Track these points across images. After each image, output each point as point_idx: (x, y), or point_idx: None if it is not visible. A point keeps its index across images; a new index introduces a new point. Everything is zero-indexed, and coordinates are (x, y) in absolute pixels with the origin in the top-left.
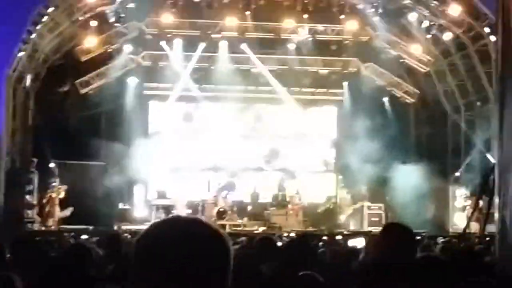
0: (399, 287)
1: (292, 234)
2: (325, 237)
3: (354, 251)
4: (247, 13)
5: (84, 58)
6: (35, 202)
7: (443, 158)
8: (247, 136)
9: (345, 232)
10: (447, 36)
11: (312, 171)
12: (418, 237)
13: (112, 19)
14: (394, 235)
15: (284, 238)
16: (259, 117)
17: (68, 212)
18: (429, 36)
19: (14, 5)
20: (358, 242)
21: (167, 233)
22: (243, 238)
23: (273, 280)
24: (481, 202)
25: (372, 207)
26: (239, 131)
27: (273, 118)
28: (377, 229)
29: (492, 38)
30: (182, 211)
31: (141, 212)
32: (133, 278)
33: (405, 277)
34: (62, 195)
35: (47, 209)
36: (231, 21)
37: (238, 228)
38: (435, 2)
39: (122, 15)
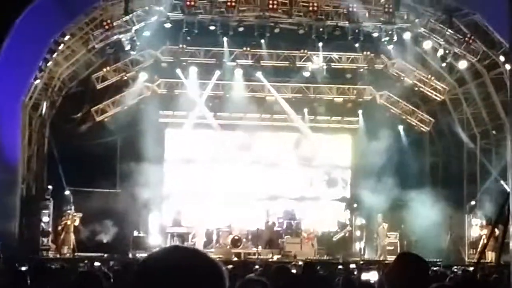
0: None
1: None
2: (340, 266)
3: (368, 285)
4: (262, 41)
5: (99, 86)
6: (50, 229)
7: (458, 187)
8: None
9: (361, 262)
10: (462, 64)
11: (327, 199)
12: (435, 268)
13: (128, 47)
14: (407, 265)
15: (298, 266)
16: (274, 145)
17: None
18: (444, 64)
19: (31, 34)
20: (371, 276)
21: (165, 262)
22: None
23: None
24: (497, 231)
25: (389, 235)
26: (254, 159)
27: (287, 145)
28: (392, 258)
29: (508, 66)
30: (198, 239)
31: (156, 239)
32: None
33: None
34: (77, 222)
35: (62, 236)
36: (246, 49)
37: (253, 257)
38: (450, 31)
39: (138, 43)
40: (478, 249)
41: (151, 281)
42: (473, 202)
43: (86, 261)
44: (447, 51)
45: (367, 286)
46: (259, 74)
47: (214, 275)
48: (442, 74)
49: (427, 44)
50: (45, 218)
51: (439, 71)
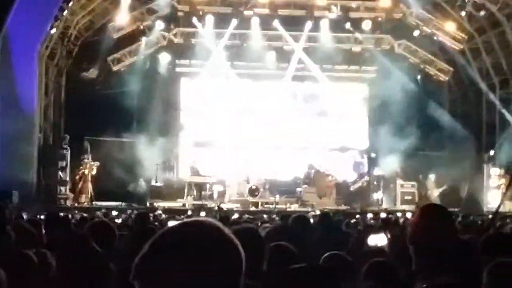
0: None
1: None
2: (357, 215)
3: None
4: None
5: (116, 35)
6: (67, 178)
7: (477, 136)
8: (279, 114)
9: (377, 209)
10: (482, 13)
11: (345, 148)
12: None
13: None
14: (431, 218)
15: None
16: (294, 95)
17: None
18: (463, 13)
19: None
20: (379, 240)
21: (182, 236)
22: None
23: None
24: None
25: (405, 185)
26: (269, 108)
27: (305, 95)
28: (410, 207)
29: None
30: (215, 188)
31: (174, 189)
32: (142, 272)
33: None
34: (94, 171)
35: (79, 185)
36: None
37: (271, 206)
38: None
39: None
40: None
41: (165, 255)
42: (492, 152)
43: (103, 210)
44: (466, 0)
45: (376, 254)
46: (276, 23)
47: (233, 256)
48: (461, 23)
49: None
50: (63, 167)
51: (458, 20)
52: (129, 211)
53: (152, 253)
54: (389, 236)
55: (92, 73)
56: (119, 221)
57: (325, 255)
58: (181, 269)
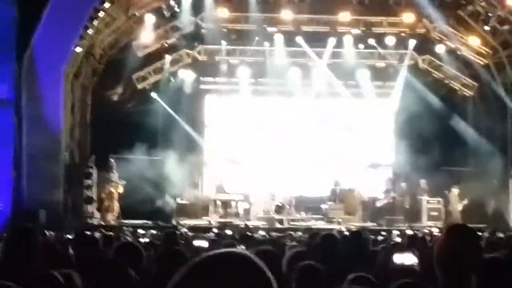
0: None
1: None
2: (383, 232)
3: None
4: (303, 5)
5: (140, 53)
6: (94, 197)
7: (502, 151)
8: (302, 131)
9: (404, 227)
10: (506, 27)
11: (370, 165)
12: (480, 233)
13: (168, 14)
14: (457, 238)
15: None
16: (318, 111)
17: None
18: (487, 27)
19: (72, 1)
20: (406, 258)
21: (217, 267)
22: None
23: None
24: None
25: (430, 201)
26: (293, 125)
27: (329, 111)
28: (436, 224)
29: None
30: (240, 205)
31: (199, 206)
32: None
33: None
34: (121, 190)
35: (106, 203)
36: (286, 14)
37: (297, 223)
38: None
39: (178, 10)
40: None
41: (199, 284)
42: None
43: (130, 229)
44: (490, 14)
45: (404, 273)
46: (299, 39)
47: (264, 286)
48: (485, 38)
49: (470, 8)
50: (89, 186)
51: (482, 34)
52: (154, 231)
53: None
54: (416, 254)
55: (115, 92)
56: (146, 240)
57: (349, 276)
58: None
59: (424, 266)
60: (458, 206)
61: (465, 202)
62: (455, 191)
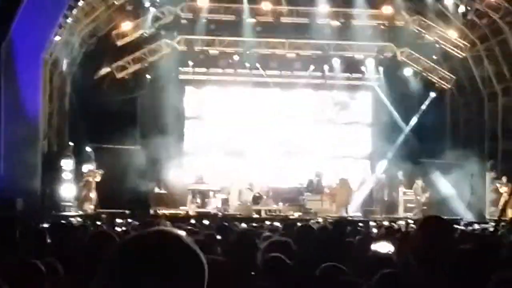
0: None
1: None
2: (360, 223)
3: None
4: None
5: (120, 43)
6: (72, 186)
7: (480, 144)
8: (280, 122)
9: (380, 219)
10: (484, 21)
11: (347, 156)
12: (456, 226)
13: (147, 4)
14: (432, 229)
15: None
16: (293, 102)
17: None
18: (465, 21)
19: None
20: (383, 247)
21: (144, 246)
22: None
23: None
24: None
25: (407, 193)
26: (271, 116)
27: (307, 103)
28: (411, 215)
29: None
30: (218, 196)
31: (177, 196)
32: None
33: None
34: (98, 179)
35: (83, 193)
36: (266, 5)
37: (274, 214)
38: None
39: (157, 0)
40: (499, 207)
41: (127, 263)
42: (494, 160)
43: (107, 217)
44: (468, 8)
45: (380, 262)
46: (278, 31)
47: (194, 266)
48: (463, 31)
49: (449, 1)
50: (67, 175)
51: (460, 27)
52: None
53: (118, 267)
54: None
55: (94, 81)
56: (123, 229)
57: (321, 266)
58: (147, 281)
59: (400, 256)
60: (422, 197)
61: (427, 194)
62: (419, 182)
